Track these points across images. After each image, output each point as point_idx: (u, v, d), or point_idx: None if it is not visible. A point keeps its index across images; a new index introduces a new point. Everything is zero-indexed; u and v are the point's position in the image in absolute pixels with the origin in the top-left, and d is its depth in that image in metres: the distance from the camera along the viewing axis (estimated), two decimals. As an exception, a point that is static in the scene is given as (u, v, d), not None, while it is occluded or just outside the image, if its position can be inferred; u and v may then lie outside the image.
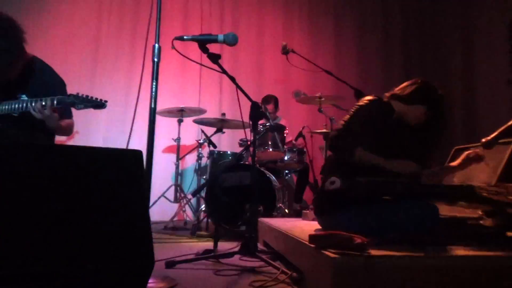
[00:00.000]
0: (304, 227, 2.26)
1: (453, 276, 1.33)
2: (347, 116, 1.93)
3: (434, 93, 1.99)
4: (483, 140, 2.17)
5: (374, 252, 1.34)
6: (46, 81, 2.22)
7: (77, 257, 1.08)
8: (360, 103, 1.97)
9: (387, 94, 2.04)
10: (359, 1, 5.63)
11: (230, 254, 2.05)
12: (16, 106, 2.05)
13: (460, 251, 1.44)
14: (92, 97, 2.05)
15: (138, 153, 1.25)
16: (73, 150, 1.20)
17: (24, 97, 2.07)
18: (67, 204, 1.10)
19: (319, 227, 2.06)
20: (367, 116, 1.90)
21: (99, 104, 2.05)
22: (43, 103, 2.01)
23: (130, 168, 1.21)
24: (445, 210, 2.35)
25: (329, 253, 1.32)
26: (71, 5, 4.82)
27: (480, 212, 2.30)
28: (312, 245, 1.49)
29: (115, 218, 1.15)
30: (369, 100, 1.96)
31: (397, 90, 2.03)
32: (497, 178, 2.46)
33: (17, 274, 1.02)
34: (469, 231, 1.86)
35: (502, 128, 2.21)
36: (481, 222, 2.24)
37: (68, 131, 2.35)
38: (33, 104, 2.01)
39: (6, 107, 2.06)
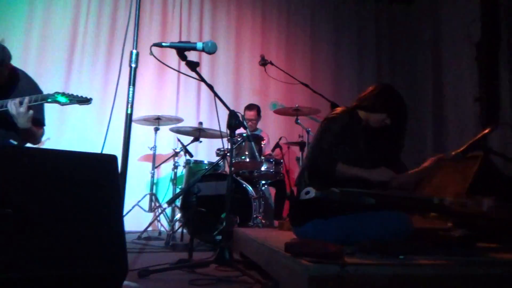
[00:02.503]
0: (280, 236, 2.26)
1: (424, 285, 1.36)
2: (319, 135, 1.99)
3: (394, 99, 2.07)
4: (453, 153, 2.25)
5: (348, 260, 1.36)
6: (25, 89, 2.24)
7: (49, 262, 1.04)
8: (329, 117, 2.05)
9: (353, 104, 2.13)
10: (335, 14, 5.77)
11: (205, 264, 2.03)
12: None
13: (431, 261, 1.48)
14: (77, 95, 2.06)
15: (112, 157, 1.23)
16: (46, 153, 1.17)
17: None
18: (39, 208, 1.07)
19: (294, 236, 2.07)
20: (337, 129, 1.97)
21: (84, 100, 2.06)
22: (20, 99, 2.03)
23: (105, 172, 1.19)
24: (417, 221, 2.42)
25: (304, 261, 1.33)
26: (46, 9, 4.73)
27: (450, 224, 2.38)
28: (288, 254, 1.49)
29: (88, 223, 1.12)
30: (337, 114, 2.04)
31: (361, 96, 2.12)
32: (466, 190, 2.55)
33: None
34: (439, 241, 1.91)
35: (470, 142, 2.30)
36: (451, 233, 2.32)
37: (37, 138, 2.32)
38: (13, 100, 2.04)
39: None
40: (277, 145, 3.95)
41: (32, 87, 2.29)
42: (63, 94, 2.05)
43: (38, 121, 2.25)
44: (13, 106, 2.01)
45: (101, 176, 1.19)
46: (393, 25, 5.82)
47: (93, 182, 1.18)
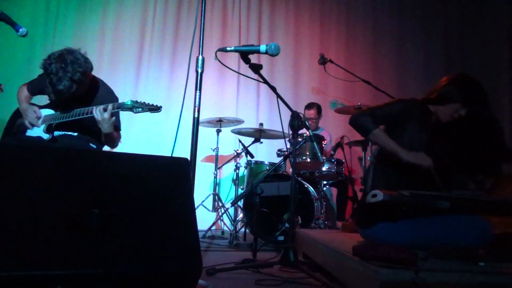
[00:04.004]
0: (345, 239, 2.21)
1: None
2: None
3: (467, 85, 1.93)
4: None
5: (423, 266, 1.30)
6: (104, 97, 2.42)
7: (131, 260, 1.11)
8: (397, 99, 2.02)
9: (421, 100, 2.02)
10: (398, 9, 5.52)
11: (271, 264, 2.04)
12: (84, 110, 2.25)
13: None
14: (148, 103, 2.19)
15: (184, 160, 1.29)
16: (124, 157, 1.25)
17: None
18: (122, 208, 1.15)
19: (360, 239, 2.01)
20: (402, 109, 1.92)
21: (155, 108, 2.18)
22: (104, 107, 2.20)
23: (178, 175, 1.25)
24: (496, 226, 2.23)
25: (375, 266, 1.29)
26: (116, 20, 5.05)
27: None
28: (356, 257, 1.45)
29: (165, 223, 1.18)
30: (408, 99, 1.98)
31: (429, 92, 2.01)
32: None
33: (69, 275, 1.07)
34: (523, 248, 1.75)
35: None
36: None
37: (115, 141, 2.47)
38: (98, 107, 2.20)
39: (77, 111, 2.27)
40: (338, 145, 3.87)
41: (109, 95, 2.45)
42: (136, 102, 2.17)
43: (116, 127, 2.41)
44: (98, 112, 2.17)
45: (175, 178, 1.25)
46: (463, 14, 5.42)
47: (168, 183, 1.24)
